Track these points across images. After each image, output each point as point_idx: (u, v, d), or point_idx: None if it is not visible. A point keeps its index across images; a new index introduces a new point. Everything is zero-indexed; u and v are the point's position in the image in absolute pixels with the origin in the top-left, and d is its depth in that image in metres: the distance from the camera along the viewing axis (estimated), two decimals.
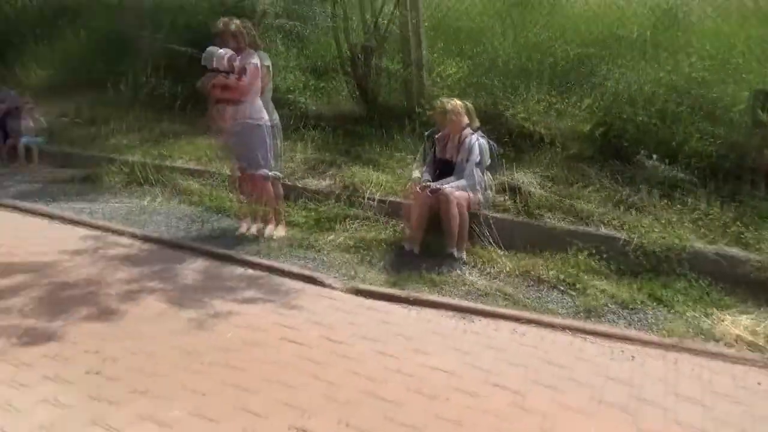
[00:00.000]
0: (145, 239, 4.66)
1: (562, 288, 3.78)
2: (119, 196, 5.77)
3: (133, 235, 4.72)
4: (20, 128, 7.13)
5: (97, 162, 6.43)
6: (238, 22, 4.35)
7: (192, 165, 5.95)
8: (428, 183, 4.20)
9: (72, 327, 3.28)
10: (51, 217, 5.23)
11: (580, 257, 3.99)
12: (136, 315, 3.44)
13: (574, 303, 3.63)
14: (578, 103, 5.06)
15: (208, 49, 4.22)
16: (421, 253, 4.23)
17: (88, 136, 7.00)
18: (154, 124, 6.76)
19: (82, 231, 4.89)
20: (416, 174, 4.39)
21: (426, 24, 6.11)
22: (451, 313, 3.47)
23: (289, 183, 5.23)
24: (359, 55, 6.02)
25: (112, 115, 7.13)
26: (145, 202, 5.55)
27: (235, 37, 4.29)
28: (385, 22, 5.86)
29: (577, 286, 3.76)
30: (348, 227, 4.70)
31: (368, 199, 4.86)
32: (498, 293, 3.70)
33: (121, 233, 4.77)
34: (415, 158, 4.97)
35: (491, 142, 4.51)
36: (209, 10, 6.93)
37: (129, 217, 5.18)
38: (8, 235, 4.80)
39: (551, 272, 3.91)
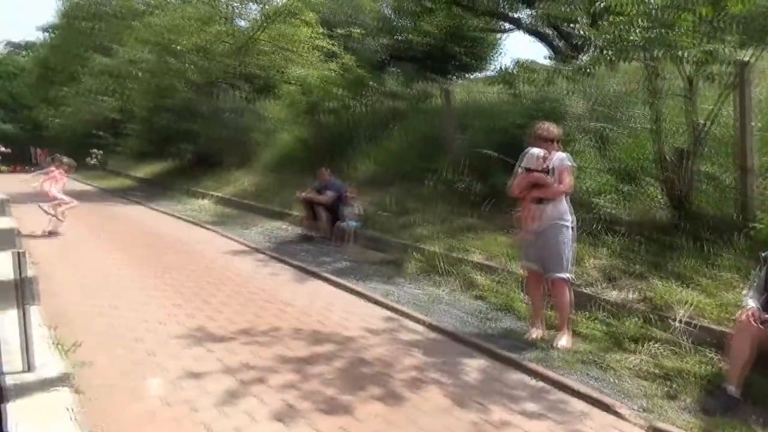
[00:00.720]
0: (434, 328, 4.84)
1: None
2: (416, 282, 6.20)
3: (424, 323, 4.95)
4: (346, 213, 8.39)
5: (401, 248, 7.09)
6: (549, 125, 4.48)
7: (484, 260, 6.09)
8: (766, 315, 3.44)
9: (362, 404, 3.51)
10: (358, 294, 5.87)
11: None
12: (418, 405, 3.51)
13: None
14: None
15: (529, 150, 4.41)
16: (745, 397, 3.42)
17: (397, 224, 7.82)
18: (455, 218, 7.21)
19: (382, 311, 5.35)
20: (751, 303, 3.63)
21: (759, 125, 5.30)
22: None
23: (580, 290, 4.91)
24: (672, 159, 5.51)
25: (419, 207, 7.88)
26: (438, 291, 5.84)
27: (546, 139, 4.38)
28: (708, 123, 5.27)
29: None
30: (647, 349, 4.12)
31: (675, 320, 4.22)
32: None
33: (413, 319, 5.06)
34: (745, 280, 4.18)
35: None
36: (519, 114, 7.26)
37: (422, 303, 5.49)
38: (322, 306, 5.53)
39: None
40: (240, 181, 14.26)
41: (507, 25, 13.26)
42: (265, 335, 4.72)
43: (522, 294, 5.21)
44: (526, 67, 5.69)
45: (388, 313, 5.28)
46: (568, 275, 4.35)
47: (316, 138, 12.28)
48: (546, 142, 4.40)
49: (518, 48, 70.48)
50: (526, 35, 12.02)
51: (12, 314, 3.47)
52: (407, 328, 4.91)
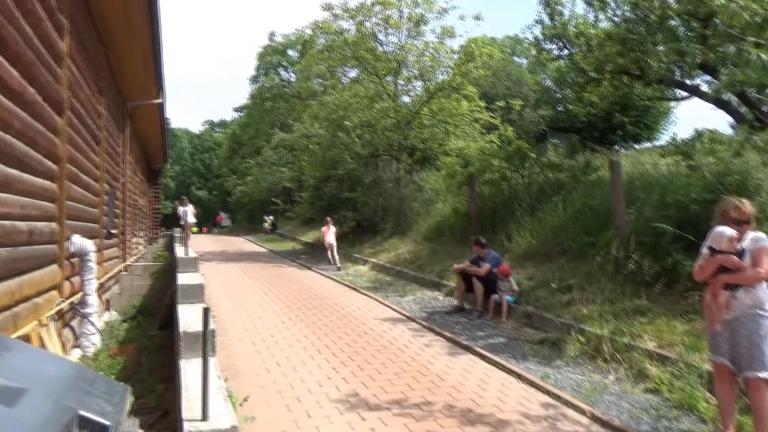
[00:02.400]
0: (599, 421, 4.40)
1: None
2: (577, 367, 5.76)
3: (587, 413, 4.53)
4: (501, 287, 8.18)
5: (560, 328, 6.68)
6: (742, 202, 4.03)
7: (658, 348, 5.48)
8: None
9: None
10: (513, 373, 5.58)
11: None
12: None
13: None
14: None
15: (717, 229, 3.97)
16: None
17: (556, 301, 7.40)
18: (622, 299, 6.63)
19: (539, 395, 5.01)
20: None
21: None
22: None
23: None
24: None
25: (581, 284, 7.40)
26: (602, 379, 5.35)
27: (739, 220, 3.93)
28: None
29: None
30: None
31: None
32: None
33: (575, 407, 4.66)
34: None
35: None
36: (698, 188, 6.62)
37: (584, 391, 5.05)
38: (476, 383, 5.33)
39: None
40: (397, 248, 14.68)
41: (681, 93, 12.40)
42: (417, 408, 4.66)
43: (706, 392, 4.57)
44: (709, 138, 5.21)
45: (547, 398, 4.93)
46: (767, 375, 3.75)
47: (473, 209, 12.31)
48: (738, 221, 3.93)
49: (693, 115, 65.60)
50: (703, 102, 11.12)
51: (194, 363, 3.83)
52: (568, 418, 4.52)
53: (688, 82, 10.98)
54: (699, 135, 5.34)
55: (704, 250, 4.05)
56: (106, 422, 1.28)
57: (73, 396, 1.32)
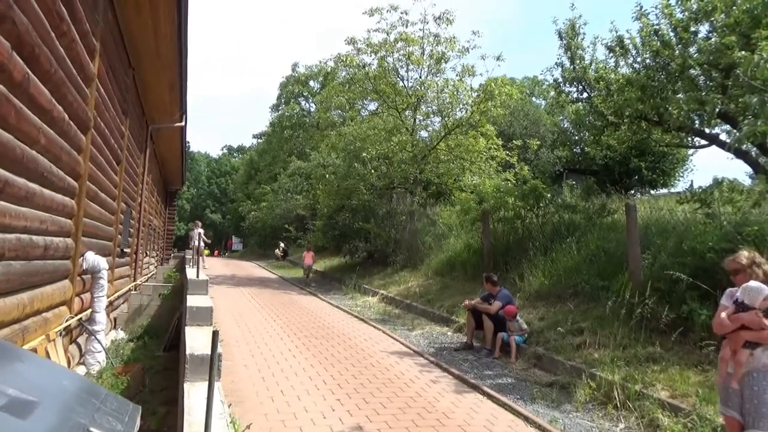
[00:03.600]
0: None
1: None
2: (587, 413, 5.63)
3: None
4: (511, 326, 8.08)
5: (570, 371, 6.55)
6: (756, 255, 3.92)
7: (670, 397, 5.35)
8: None
9: None
10: (521, 416, 5.45)
11: None
12: None
13: None
14: None
15: (752, 284, 3.84)
16: None
17: (567, 344, 7.28)
18: (635, 345, 6.51)
19: None
20: None
21: None
22: None
23: None
24: None
25: (592, 327, 7.29)
26: (612, 427, 5.22)
27: (753, 272, 3.82)
28: None
29: None
30: None
31: None
32: None
33: None
34: None
35: None
36: (715, 237, 6.55)
37: None
38: (482, 424, 5.21)
39: None
40: (407, 281, 14.60)
41: (700, 141, 12.36)
42: None
43: None
44: (728, 187, 5.17)
45: None
46: None
47: (486, 246, 12.25)
48: (745, 273, 3.81)
49: (711, 164, 65.27)
50: (722, 151, 11.04)
51: (199, 386, 3.79)
52: None
53: (707, 130, 10.94)
54: (718, 183, 5.29)
55: (727, 303, 3.92)
56: None
57: (84, 412, 1.31)
